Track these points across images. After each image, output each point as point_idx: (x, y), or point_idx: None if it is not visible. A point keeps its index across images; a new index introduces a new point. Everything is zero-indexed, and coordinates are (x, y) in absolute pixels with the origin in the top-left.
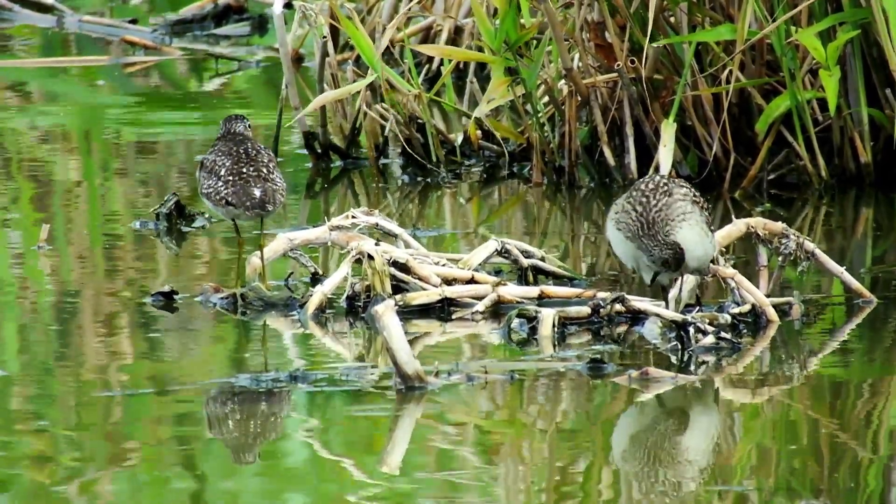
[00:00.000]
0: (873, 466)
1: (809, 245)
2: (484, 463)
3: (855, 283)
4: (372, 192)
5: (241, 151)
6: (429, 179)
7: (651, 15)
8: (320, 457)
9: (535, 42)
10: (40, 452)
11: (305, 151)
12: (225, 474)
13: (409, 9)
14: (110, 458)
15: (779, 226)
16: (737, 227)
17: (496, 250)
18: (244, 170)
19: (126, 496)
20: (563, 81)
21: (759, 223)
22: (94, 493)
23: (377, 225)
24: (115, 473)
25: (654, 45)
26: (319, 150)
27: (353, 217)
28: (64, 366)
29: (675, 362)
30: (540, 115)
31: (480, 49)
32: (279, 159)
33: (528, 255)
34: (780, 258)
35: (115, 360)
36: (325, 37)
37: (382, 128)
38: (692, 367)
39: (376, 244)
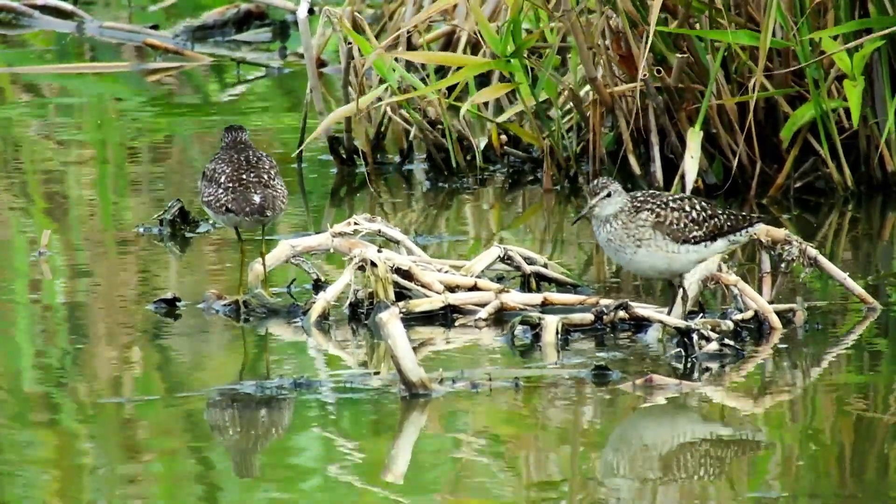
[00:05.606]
0: (885, 471)
1: (812, 251)
2: (488, 470)
3: (858, 290)
4: (398, 197)
5: (242, 159)
6: (452, 185)
7: (679, 18)
8: (324, 464)
9: (545, 50)
10: (47, 457)
11: (330, 157)
12: (229, 482)
13: (431, 14)
14: (116, 463)
15: (781, 232)
16: None
17: (499, 257)
18: (244, 176)
19: (132, 501)
20: (585, 89)
21: (761, 230)
22: (100, 498)
23: (380, 231)
24: (120, 478)
25: (679, 56)
26: (344, 156)
27: (356, 224)
28: (68, 373)
29: (678, 369)
30: (564, 121)
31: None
32: (303, 165)
33: (530, 261)
34: (782, 265)
35: (119, 367)
36: (349, 42)
37: (407, 133)
38: (696, 374)
39: (379, 251)
